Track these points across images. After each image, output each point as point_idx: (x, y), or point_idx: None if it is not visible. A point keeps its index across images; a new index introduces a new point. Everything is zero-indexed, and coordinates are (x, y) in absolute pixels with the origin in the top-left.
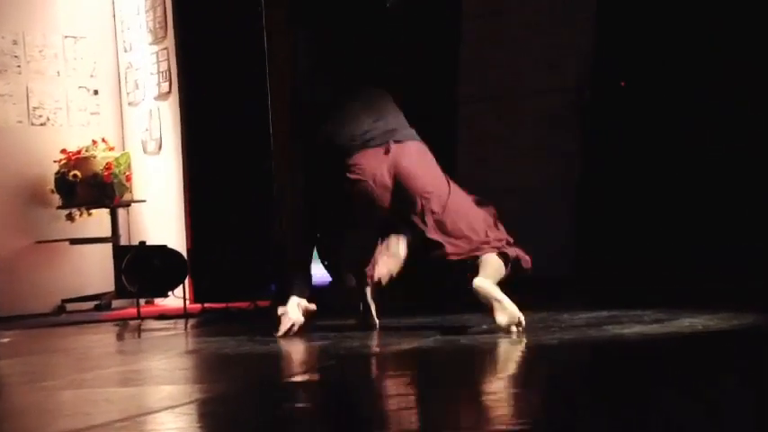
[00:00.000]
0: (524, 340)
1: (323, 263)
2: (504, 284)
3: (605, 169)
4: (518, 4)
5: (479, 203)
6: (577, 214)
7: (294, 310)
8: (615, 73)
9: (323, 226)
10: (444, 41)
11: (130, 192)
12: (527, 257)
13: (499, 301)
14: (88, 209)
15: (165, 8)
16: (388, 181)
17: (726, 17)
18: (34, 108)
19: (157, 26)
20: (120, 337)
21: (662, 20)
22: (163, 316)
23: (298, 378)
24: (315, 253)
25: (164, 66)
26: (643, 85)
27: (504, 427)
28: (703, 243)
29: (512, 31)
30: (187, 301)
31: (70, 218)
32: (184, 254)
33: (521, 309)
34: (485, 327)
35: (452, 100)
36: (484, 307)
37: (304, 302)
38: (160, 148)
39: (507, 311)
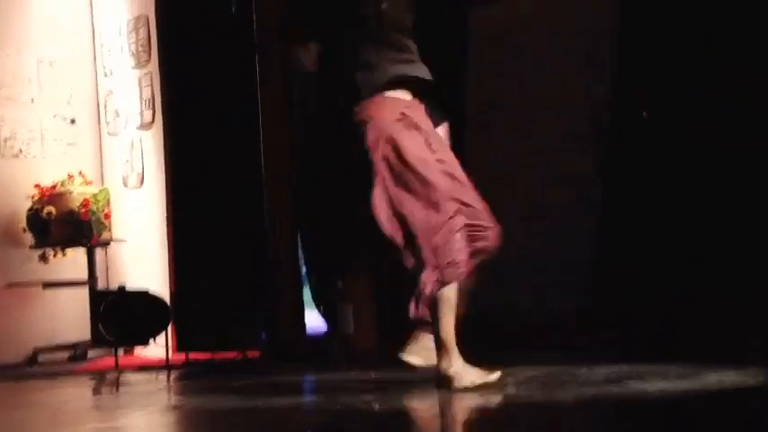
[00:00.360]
0: (537, 398)
1: (317, 307)
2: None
3: (626, 198)
4: (530, 25)
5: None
6: (595, 245)
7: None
8: (637, 103)
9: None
10: (453, 63)
11: (109, 230)
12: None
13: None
14: (63, 249)
15: (148, 29)
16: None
17: (758, 52)
18: (6, 138)
19: (140, 49)
20: (96, 391)
21: (690, 49)
22: (143, 368)
23: None
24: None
25: (147, 92)
26: (666, 117)
27: None
28: (731, 288)
29: (525, 55)
30: (170, 351)
31: (43, 259)
32: (167, 298)
33: (534, 358)
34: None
35: (462, 121)
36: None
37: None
38: (142, 182)
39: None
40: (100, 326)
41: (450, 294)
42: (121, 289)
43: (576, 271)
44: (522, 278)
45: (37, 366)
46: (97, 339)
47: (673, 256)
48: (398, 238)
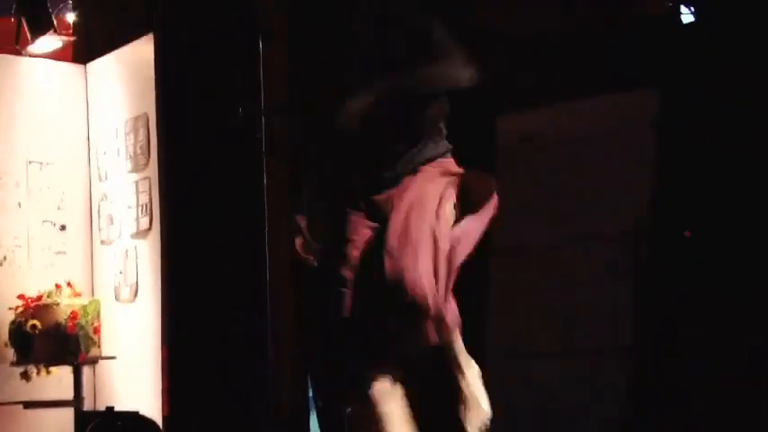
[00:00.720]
0: None
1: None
2: None
3: (665, 333)
4: (560, 131)
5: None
6: (632, 388)
7: None
8: (679, 220)
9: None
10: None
11: (98, 346)
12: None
13: None
14: (47, 366)
15: (148, 131)
16: None
17: None
18: None
19: (138, 152)
20: None
21: (738, 161)
22: None
23: None
24: None
25: (144, 198)
26: (710, 236)
27: None
28: None
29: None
30: None
31: (26, 376)
32: (159, 422)
33: None
34: None
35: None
36: None
37: None
38: (136, 295)
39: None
40: None
41: None
42: (110, 410)
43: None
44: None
45: None
46: None
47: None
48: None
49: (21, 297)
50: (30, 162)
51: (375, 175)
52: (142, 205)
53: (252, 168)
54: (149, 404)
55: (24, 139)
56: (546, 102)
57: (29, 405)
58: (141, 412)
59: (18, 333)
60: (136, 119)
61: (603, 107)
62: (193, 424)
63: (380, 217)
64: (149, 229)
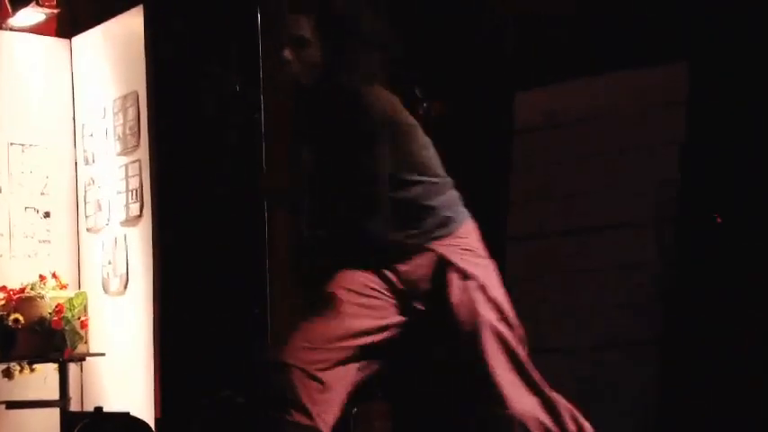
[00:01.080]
0: None
1: None
2: None
3: (695, 325)
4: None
5: None
6: (659, 382)
7: None
8: (708, 205)
9: None
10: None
11: (86, 342)
12: None
13: None
14: (31, 363)
15: (138, 109)
16: None
17: None
18: None
19: (128, 132)
20: None
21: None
22: None
23: None
24: None
25: (134, 183)
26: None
27: None
28: None
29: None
30: None
31: (8, 374)
32: (152, 424)
33: None
34: None
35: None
36: None
37: None
38: (126, 286)
39: None
40: None
41: None
42: (98, 410)
43: None
44: None
45: None
46: None
47: None
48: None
49: (2, 289)
50: (11, 144)
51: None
52: (132, 190)
53: (250, 151)
54: (141, 404)
55: (5, 119)
56: (568, 78)
57: (11, 405)
58: (132, 413)
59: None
60: (125, 97)
61: (628, 83)
62: (187, 426)
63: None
64: (140, 215)
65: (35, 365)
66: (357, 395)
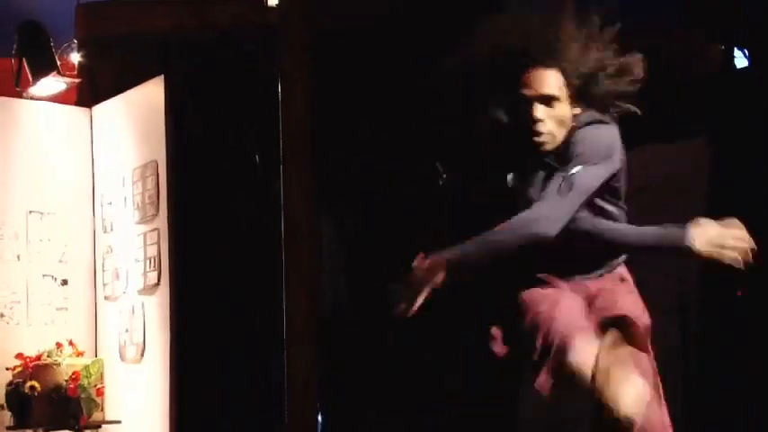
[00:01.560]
0: None
1: None
2: None
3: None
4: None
5: None
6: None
7: None
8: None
9: None
10: None
11: (101, 410)
12: None
13: None
14: (47, 431)
15: (157, 179)
16: None
17: None
18: None
19: (147, 201)
20: None
21: None
22: None
23: None
24: None
25: (152, 251)
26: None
27: None
28: None
29: None
30: None
31: None
32: None
33: None
34: None
35: None
36: None
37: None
38: (142, 355)
39: None
40: None
41: None
42: None
43: None
44: None
45: None
46: None
47: None
48: None
49: (19, 356)
50: (30, 212)
51: None
52: (150, 259)
53: (268, 221)
54: None
55: (24, 186)
56: None
57: None
58: None
59: (16, 395)
60: (144, 166)
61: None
62: None
63: None
64: (158, 284)
65: None
66: None
